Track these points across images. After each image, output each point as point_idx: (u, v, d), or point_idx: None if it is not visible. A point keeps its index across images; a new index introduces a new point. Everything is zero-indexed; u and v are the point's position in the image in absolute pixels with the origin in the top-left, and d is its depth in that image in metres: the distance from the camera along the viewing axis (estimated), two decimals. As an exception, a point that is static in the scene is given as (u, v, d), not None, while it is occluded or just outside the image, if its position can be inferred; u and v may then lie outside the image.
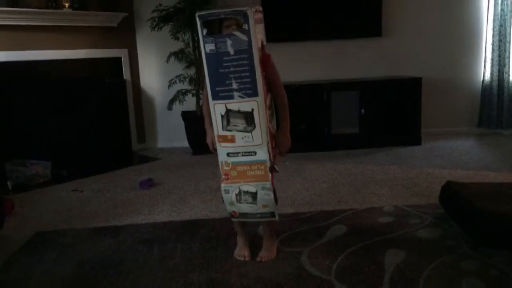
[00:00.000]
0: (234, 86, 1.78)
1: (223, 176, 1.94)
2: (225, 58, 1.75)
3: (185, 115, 4.43)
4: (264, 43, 1.88)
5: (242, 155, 1.88)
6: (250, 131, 1.83)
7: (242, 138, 1.84)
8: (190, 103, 4.40)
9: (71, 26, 4.08)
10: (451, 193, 2.40)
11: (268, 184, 1.88)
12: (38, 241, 2.40)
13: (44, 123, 3.91)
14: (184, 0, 4.14)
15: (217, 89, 1.80)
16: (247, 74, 1.75)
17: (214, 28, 1.77)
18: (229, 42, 1.73)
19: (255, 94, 1.78)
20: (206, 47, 1.76)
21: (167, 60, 4.36)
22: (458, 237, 2.17)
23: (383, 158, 3.89)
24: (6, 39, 3.73)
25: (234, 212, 1.97)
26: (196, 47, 4.27)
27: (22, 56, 3.83)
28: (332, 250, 2.11)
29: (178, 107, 4.39)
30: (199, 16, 1.74)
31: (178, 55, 4.33)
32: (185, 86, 4.38)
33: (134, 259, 2.12)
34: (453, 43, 4.67)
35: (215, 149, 1.94)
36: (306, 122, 4.30)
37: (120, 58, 4.52)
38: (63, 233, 2.50)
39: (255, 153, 1.86)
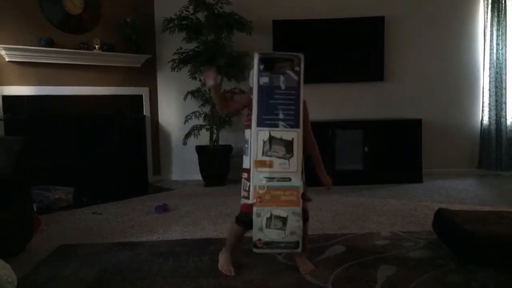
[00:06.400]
0: (281, 116, 2.04)
1: (255, 200, 2.04)
2: (277, 91, 2.04)
3: (199, 149, 4.72)
4: None
5: (277, 181, 2.04)
6: (288, 159, 2.05)
7: (280, 164, 2.05)
8: (204, 138, 4.71)
9: (99, 65, 4.50)
10: (442, 218, 2.60)
11: (298, 210, 2.05)
12: (62, 252, 2.64)
13: (68, 152, 4.24)
14: (202, 44, 4.56)
15: (263, 117, 2.05)
16: (293, 107, 2.04)
17: (268, 66, 2.06)
18: (282, 78, 2.04)
19: (297, 126, 2.05)
20: (261, 80, 2.05)
21: (185, 98, 4.72)
22: (447, 257, 2.36)
23: (384, 193, 4.10)
24: (40, 75, 4.15)
25: (259, 240, 2.06)
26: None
27: (53, 91, 4.24)
28: (330, 264, 2.31)
29: (192, 142, 4.70)
30: (260, 53, 2.05)
31: (194, 93, 4.70)
32: (200, 121, 4.71)
33: (150, 267, 2.35)
34: (451, 87, 4.97)
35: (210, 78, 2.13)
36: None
37: (141, 96, 4.91)
38: (84, 246, 2.74)
39: (290, 179, 2.05)
